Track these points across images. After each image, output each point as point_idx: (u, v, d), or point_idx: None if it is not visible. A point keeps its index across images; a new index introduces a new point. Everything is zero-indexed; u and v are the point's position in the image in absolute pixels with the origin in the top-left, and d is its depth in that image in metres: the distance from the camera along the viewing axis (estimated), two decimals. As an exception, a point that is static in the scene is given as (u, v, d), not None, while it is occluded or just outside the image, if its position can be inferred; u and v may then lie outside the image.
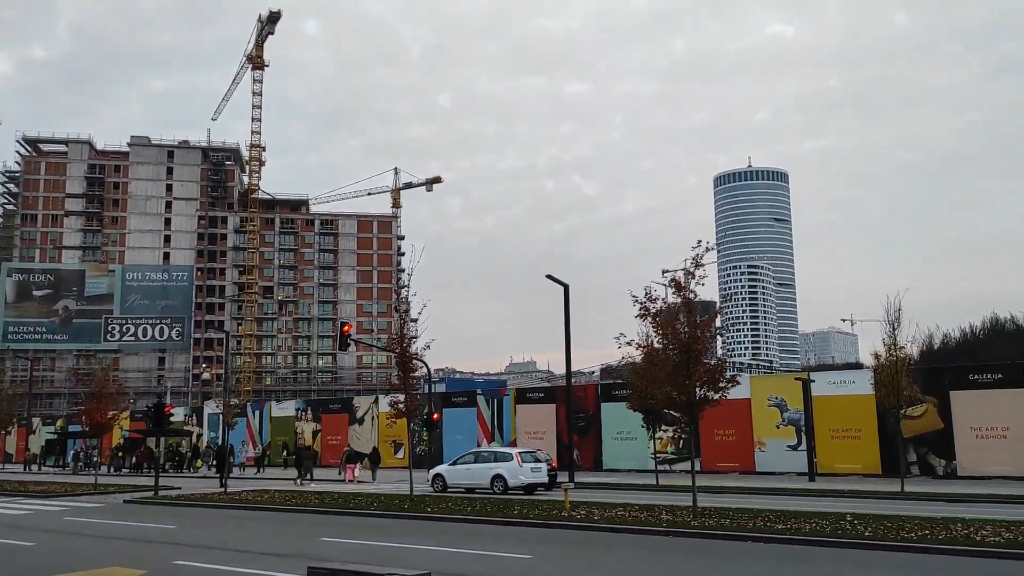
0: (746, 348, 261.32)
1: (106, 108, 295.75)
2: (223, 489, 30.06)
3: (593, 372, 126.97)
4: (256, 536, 18.01)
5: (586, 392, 41.70)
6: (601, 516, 18.81)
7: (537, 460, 29.15)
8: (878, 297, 33.90)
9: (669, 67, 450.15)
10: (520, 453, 29.13)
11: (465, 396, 46.31)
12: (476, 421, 43.38)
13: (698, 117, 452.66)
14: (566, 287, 32.34)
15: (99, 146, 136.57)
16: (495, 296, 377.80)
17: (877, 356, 26.08)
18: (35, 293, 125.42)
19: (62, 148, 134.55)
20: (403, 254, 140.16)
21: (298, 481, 35.48)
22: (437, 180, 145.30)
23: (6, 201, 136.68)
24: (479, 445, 39.65)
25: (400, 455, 45.45)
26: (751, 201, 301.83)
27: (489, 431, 42.86)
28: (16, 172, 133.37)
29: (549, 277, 32.40)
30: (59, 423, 67.29)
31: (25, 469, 55.09)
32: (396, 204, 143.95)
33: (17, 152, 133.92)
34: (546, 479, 28.97)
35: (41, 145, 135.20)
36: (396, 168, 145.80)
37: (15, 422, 60.01)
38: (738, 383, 23.55)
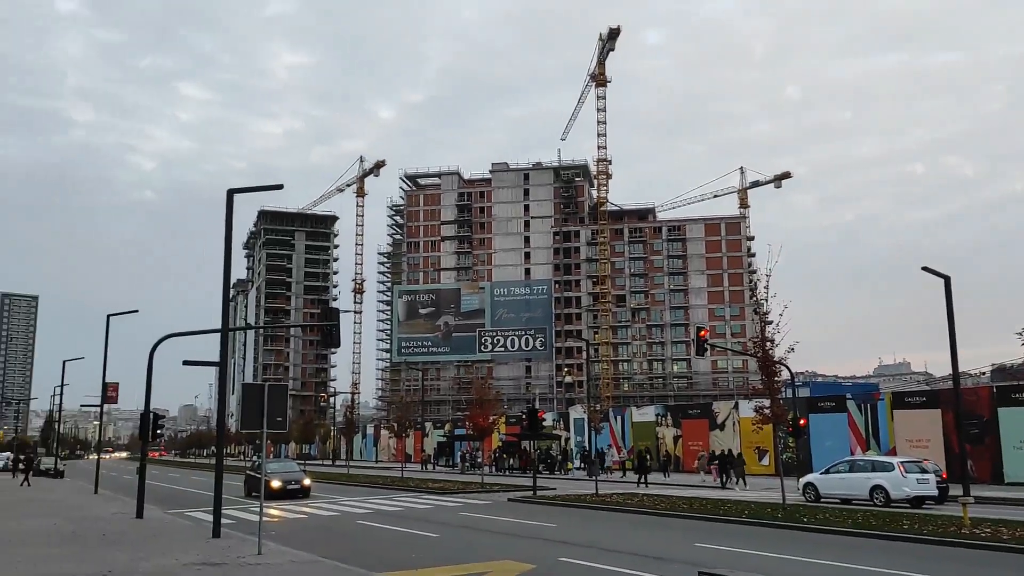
0: None
1: (471, 139, 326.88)
2: (595, 491, 31.26)
3: (983, 373, 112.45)
4: (631, 538, 18.44)
5: (979, 395, 36.93)
6: (1011, 536, 16.50)
7: (923, 471, 26.42)
8: None
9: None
10: (903, 463, 26.61)
11: (833, 401, 43.46)
12: (847, 428, 40.51)
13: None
14: (947, 279, 29.00)
15: (466, 175, 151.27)
16: (857, 294, 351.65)
17: None
18: (421, 311, 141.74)
19: (436, 181, 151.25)
20: (754, 255, 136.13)
21: (643, 483, 36.69)
22: (786, 176, 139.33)
23: (394, 231, 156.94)
24: (852, 453, 36.95)
25: (765, 462, 43.98)
26: None
27: (863, 438, 39.78)
28: (401, 206, 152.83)
29: (926, 269, 29.28)
30: (447, 427, 75.06)
31: (423, 468, 62.30)
32: (743, 204, 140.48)
33: (400, 188, 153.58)
34: (935, 492, 26.13)
35: (419, 180, 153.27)
36: (742, 168, 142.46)
37: (412, 426, 68.13)
38: None
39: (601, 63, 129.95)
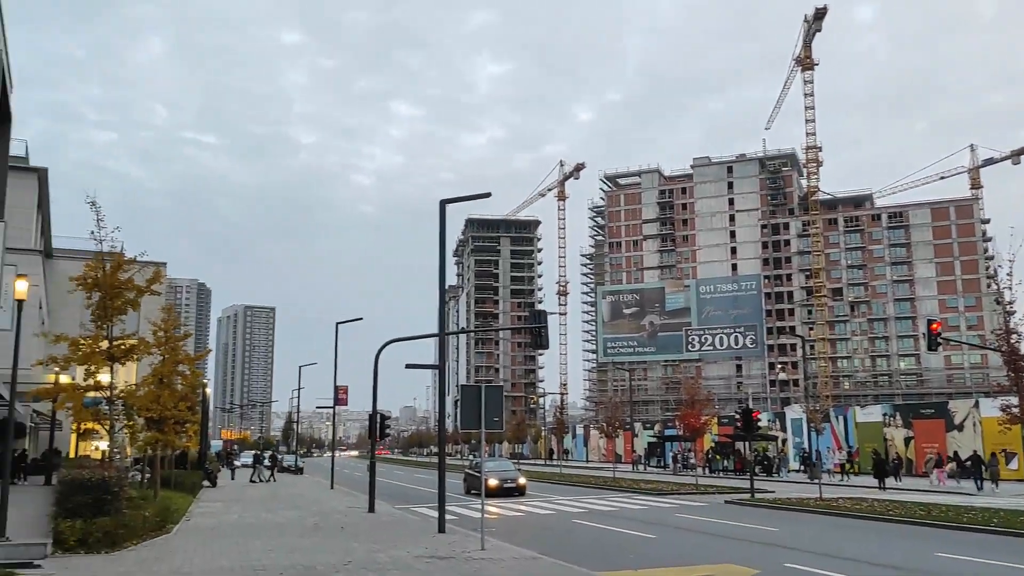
0: None
1: (671, 135, 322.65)
2: (819, 495, 29.74)
3: None
4: (864, 545, 17.35)
5: None
6: None
7: None
8: None
9: None
10: None
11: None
12: (1114, 428, 35.88)
13: None
14: None
15: (666, 173, 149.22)
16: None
17: None
18: (625, 311, 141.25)
19: (636, 180, 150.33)
20: (990, 239, 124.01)
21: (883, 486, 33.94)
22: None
23: (596, 233, 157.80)
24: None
25: (1013, 465, 39.87)
26: None
27: None
28: (601, 207, 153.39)
29: None
30: (656, 427, 74.28)
31: (633, 468, 62.02)
32: (975, 185, 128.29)
33: (600, 189, 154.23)
34: None
35: (619, 180, 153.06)
36: (972, 145, 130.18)
37: (621, 426, 67.99)
38: None
39: (807, 46, 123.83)
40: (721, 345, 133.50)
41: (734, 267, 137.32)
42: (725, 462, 52.83)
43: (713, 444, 56.65)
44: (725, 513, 25.09)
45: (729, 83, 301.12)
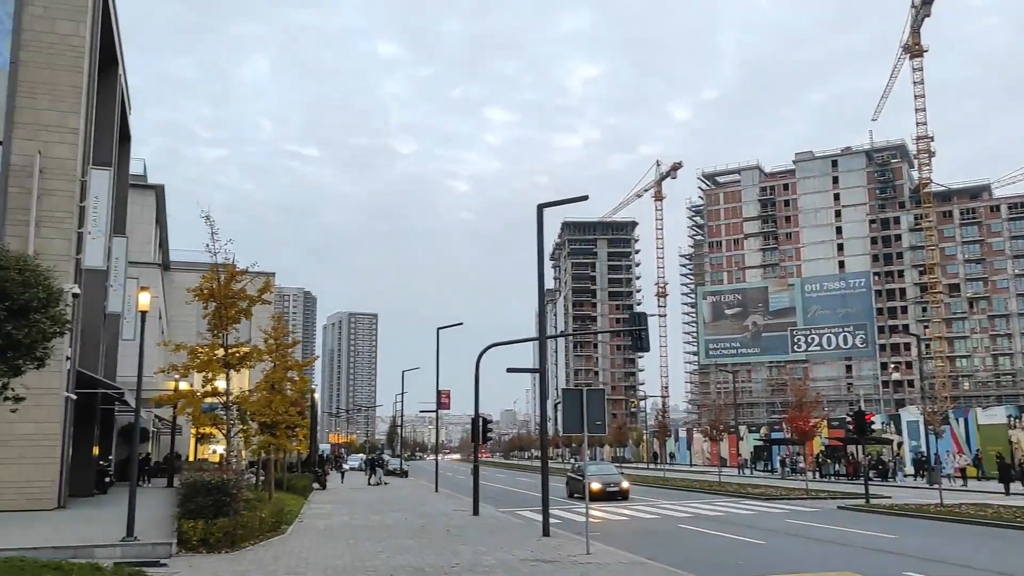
0: None
1: (770, 131, 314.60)
2: (939, 501, 28.39)
3: None
4: (989, 555, 16.41)
5: None
6: None
7: None
8: None
9: None
10: None
11: None
12: None
13: None
14: None
15: (767, 169, 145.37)
16: None
17: None
18: (727, 312, 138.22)
19: (735, 178, 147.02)
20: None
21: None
22: None
23: (695, 233, 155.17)
24: None
25: None
26: None
27: None
28: (700, 206, 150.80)
29: None
30: (762, 430, 72.40)
31: (739, 473, 60.62)
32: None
33: (699, 188, 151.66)
34: None
35: (717, 178, 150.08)
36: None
37: (726, 429, 66.56)
38: None
39: (915, 31, 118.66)
40: (829, 345, 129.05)
41: (841, 264, 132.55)
42: (836, 466, 51.11)
43: (823, 448, 54.83)
44: (838, 519, 24.22)
45: (831, 74, 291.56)
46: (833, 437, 54.70)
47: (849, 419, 37.39)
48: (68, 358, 22.01)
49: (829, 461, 52.21)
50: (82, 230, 23.02)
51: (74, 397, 23.26)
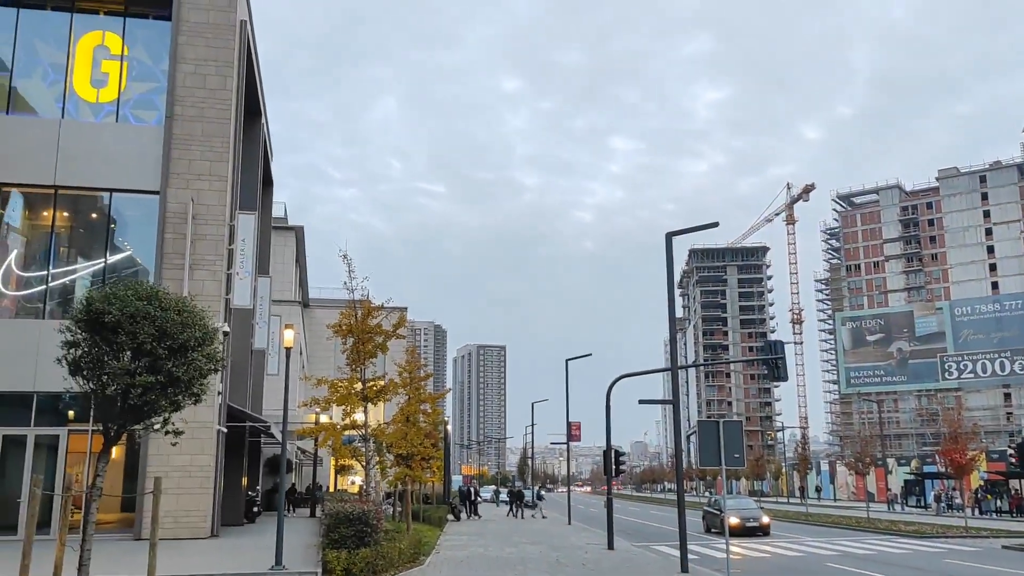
0: None
1: (909, 147, 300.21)
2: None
3: None
4: None
5: None
6: None
7: None
8: None
9: None
10: None
11: None
12: None
13: None
14: None
15: (907, 187, 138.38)
16: None
17: None
18: (868, 338, 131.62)
19: (873, 198, 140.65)
20: None
21: None
22: None
23: (830, 256, 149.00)
24: None
25: None
26: None
27: None
28: (835, 228, 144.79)
29: None
30: (913, 463, 68.30)
31: (888, 508, 57.26)
32: None
33: (833, 210, 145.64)
34: None
35: (854, 199, 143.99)
36: None
37: (873, 462, 63.19)
38: None
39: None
40: (984, 372, 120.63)
41: (994, 285, 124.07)
42: (998, 502, 47.51)
43: (983, 482, 51.12)
44: (1003, 560, 22.47)
45: (976, 83, 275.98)
46: (993, 471, 50.96)
47: (1011, 451, 34.76)
48: (220, 393, 23.25)
49: (990, 496, 48.61)
50: (231, 271, 24.40)
51: (225, 430, 24.53)
